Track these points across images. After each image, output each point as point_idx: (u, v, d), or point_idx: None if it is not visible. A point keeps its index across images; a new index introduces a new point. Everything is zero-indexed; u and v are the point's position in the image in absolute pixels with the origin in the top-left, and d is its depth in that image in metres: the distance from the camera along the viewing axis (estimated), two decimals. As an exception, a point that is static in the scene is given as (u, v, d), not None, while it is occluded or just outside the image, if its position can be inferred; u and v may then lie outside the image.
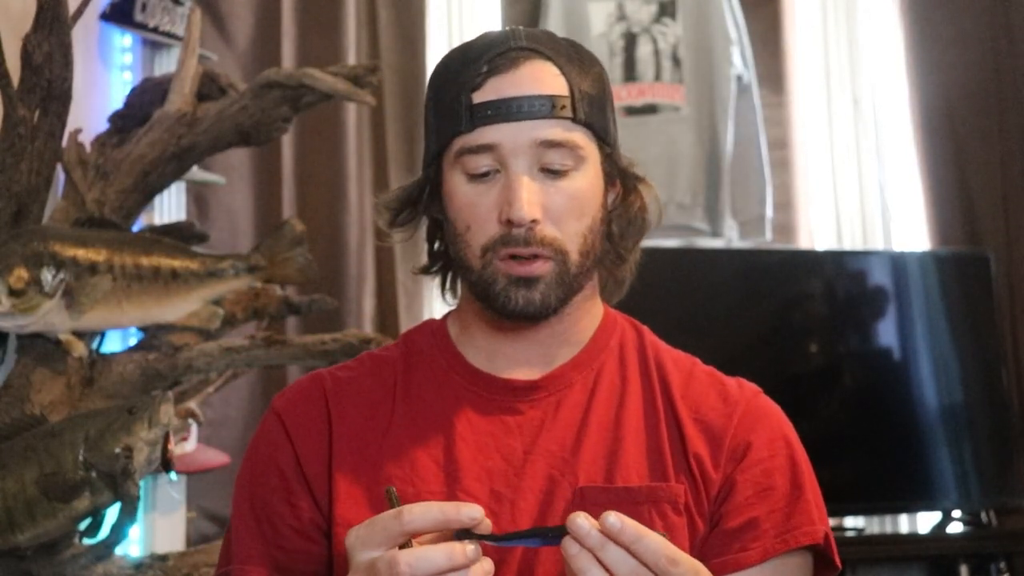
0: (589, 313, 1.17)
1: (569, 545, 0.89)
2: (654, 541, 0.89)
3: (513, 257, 1.08)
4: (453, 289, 1.20)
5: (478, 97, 1.08)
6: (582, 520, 0.88)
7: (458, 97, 1.09)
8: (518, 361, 1.15)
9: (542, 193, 1.07)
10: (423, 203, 1.16)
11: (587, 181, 1.10)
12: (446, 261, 1.19)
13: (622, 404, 1.14)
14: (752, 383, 1.19)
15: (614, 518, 0.88)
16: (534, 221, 1.06)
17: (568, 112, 1.08)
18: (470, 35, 1.36)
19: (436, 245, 1.20)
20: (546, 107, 1.07)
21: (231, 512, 1.16)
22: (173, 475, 1.91)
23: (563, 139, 1.08)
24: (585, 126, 1.09)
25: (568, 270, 1.09)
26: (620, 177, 1.15)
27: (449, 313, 1.22)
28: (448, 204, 1.11)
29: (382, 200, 1.18)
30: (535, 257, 1.07)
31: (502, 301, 1.09)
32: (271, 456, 1.14)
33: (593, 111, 1.10)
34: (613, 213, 1.16)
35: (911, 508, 3.06)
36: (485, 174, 1.08)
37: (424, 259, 1.23)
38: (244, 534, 1.13)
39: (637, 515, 0.97)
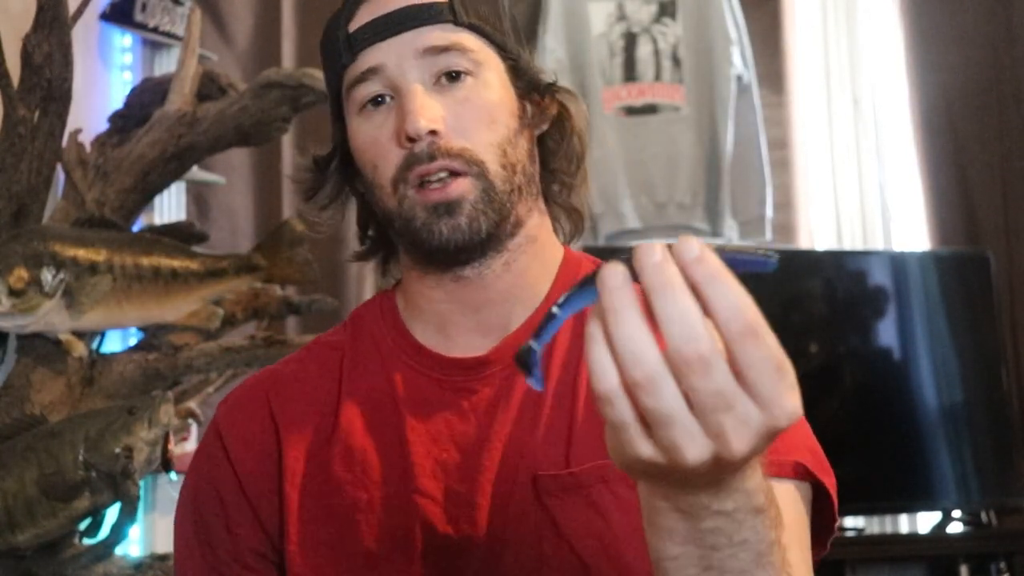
0: (537, 259, 1.04)
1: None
2: (734, 292, 0.62)
3: (423, 184, 0.97)
4: (394, 271, 1.11)
5: (353, 25, 1.02)
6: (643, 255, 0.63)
7: (335, 36, 1.03)
8: (469, 328, 1.03)
9: (440, 105, 0.98)
10: (333, 169, 1.07)
11: (489, 88, 1.00)
12: (380, 241, 1.11)
13: (577, 371, 1.01)
14: None
15: (693, 243, 0.63)
16: (433, 133, 0.96)
17: (448, 15, 1.00)
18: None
19: (368, 231, 1.12)
20: (423, 14, 1.00)
21: (174, 535, 1.07)
22: (173, 475, 1.91)
23: (449, 42, 0.99)
24: (470, 28, 1.01)
25: (492, 185, 0.97)
26: (535, 89, 1.05)
27: (397, 284, 1.11)
28: (355, 156, 1.03)
29: (295, 176, 1.10)
30: (450, 176, 0.96)
31: (425, 236, 0.97)
32: (211, 476, 1.04)
33: (480, 16, 1.02)
34: (544, 136, 1.06)
35: (911, 508, 3.05)
36: (378, 103, 1.00)
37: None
38: (189, 563, 1.04)
39: (587, 498, 0.93)
